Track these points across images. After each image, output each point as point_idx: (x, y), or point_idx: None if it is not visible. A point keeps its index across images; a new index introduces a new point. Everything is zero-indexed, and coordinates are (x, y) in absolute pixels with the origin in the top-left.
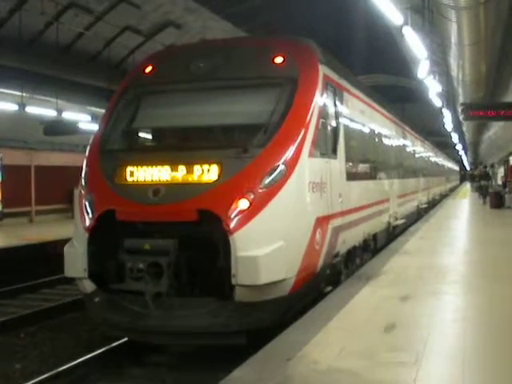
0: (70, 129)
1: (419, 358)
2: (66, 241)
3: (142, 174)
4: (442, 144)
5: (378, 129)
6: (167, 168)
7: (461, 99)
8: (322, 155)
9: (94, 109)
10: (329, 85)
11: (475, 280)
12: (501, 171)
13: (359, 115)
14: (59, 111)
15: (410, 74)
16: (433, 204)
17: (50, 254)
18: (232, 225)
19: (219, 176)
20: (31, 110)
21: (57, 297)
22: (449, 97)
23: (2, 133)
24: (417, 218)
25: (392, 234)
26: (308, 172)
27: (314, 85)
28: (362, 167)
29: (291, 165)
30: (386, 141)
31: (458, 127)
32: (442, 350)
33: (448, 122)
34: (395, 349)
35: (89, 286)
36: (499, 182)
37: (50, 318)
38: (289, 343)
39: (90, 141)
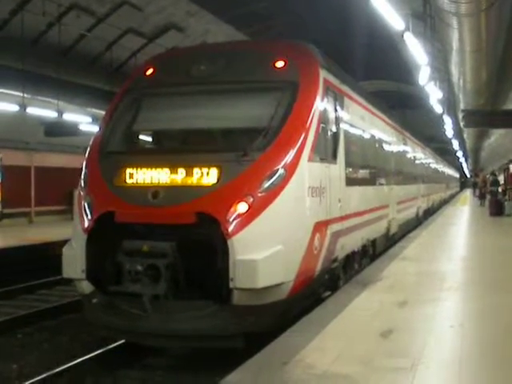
0: (70, 130)
1: (416, 364)
2: (65, 242)
3: (141, 176)
4: (442, 150)
5: (378, 134)
6: (167, 170)
7: (462, 106)
8: (322, 160)
9: (94, 110)
10: (329, 90)
11: (473, 287)
12: (501, 179)
13: (359, 120)
14: (60, 112)
15: (411, 80)
16: (433, 211)
17: (49, 255)
18: (230, 228)
19: (218, 179)
20: (32, 110)
21: (55, 298)
22: (450, 103)
23: (2, 133)
24: (416, 224)
25: (391, 240)
26: (307, 176)
27: (315, 89)
28: (362, 173)
29: (291, 169)
30: (386, 147)
31: (458, 134)
32: (439, 356)
33: (449, 129)
34: (392, 354)
35: (87, 287)
36: (499, 189)
37: (47, 318)
38: (286, 347)
39: (90, 142)
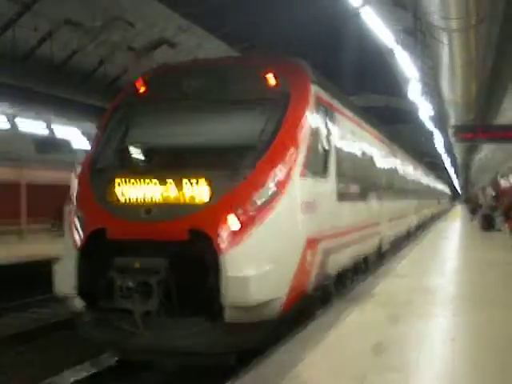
0: (61, 146)
1: (409, 379)
2: (56, 259)
3: (132, 192)
4: (433, 166)
5: (369, 150)
6: (158, 187)
7: (452, 121)
8: (313, 176)
9: (86, 127)
10: (320, 105)
11: (464, 302)
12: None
13: (350, 136)
14: (51, 128)
15: (402, 95)
16: (424, 226)
17: (40, 272)
18: (223, 245)
19: (210, 196)
20: (23, 126)
21: (46, 316)
22: (440, 118)
23: None
24: (408, 239)
25: (383, 256)
26: (299, 192)
27: (305, 104)
28: (354, 188)
29: (282, 185)
30: (377, 162)
31: (449, 149)
32: (432, 371)
33: (439, 144)
34: (385, 370)
35: (78, 303)
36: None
37: (39, 336)
38: (279, 363)
39: (82, 159)
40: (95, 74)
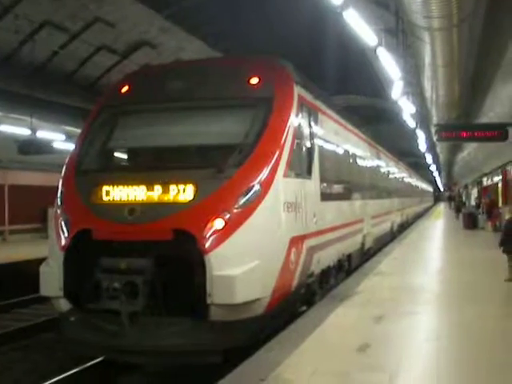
0: (44, 148)
1: (393, 377)
2: (41, 260)
3: (117, 193)
4: (416, 165)
5: (352, 149)
6: (143, 187)
7: (434, 120)
8: (297, 175)
9: (68, 128)
10: (303, 105)
11: (448, 300)
12: (474, 192)
13: (334, 136)
14: (33, 130)
15: (384, 95)
16: (407, 224)
17: (24, 273)
18: (207, 244)
19: (195, 196)
20: (5, 128)
21: (29, 316)
22: (423, 118)
23: None
24: (391, 238)
25: (366, 254)
26: (283, 192)
27: (289, 105)
28: (337, 188)
29: (266, 185)
30: (360, 161)
31: (431, 148)
32: (416, 369)
33: (422, 143)
34: (369, 369)
35: (64, 305)
36: (473, 202)
37: (22, 337)
38: (263, 363)
39: (66, 160)
40: (76, 76)
